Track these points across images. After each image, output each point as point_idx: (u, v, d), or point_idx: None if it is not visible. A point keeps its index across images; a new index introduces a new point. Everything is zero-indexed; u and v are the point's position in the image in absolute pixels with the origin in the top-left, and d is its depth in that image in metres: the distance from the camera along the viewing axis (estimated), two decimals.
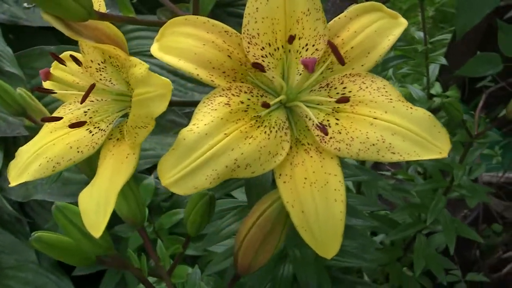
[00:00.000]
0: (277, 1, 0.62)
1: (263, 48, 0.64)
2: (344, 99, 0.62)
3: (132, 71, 0.64)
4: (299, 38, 0.65)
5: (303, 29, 0.64)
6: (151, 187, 1.20)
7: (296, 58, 0.66)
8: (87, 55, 0.76)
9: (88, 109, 0.76)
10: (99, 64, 0.75)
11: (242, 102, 0.63)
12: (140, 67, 0.63)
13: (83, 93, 0.76)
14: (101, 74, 0.76)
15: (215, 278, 1.20)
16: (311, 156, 0.63)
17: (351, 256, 1.21)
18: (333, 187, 0.61)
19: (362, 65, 0.66)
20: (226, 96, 0.62)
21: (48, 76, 0.70)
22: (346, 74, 0.66)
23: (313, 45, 0.65)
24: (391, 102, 0.63)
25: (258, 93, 0.65)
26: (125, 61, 0.66)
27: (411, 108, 0.63)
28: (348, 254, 1.20)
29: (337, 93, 0.66)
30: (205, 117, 0.60)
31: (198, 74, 0.63)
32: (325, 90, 0.66)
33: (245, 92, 0.64)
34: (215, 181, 0.58)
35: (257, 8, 0.63)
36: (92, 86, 0.69)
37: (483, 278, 1.76)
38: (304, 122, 0.66)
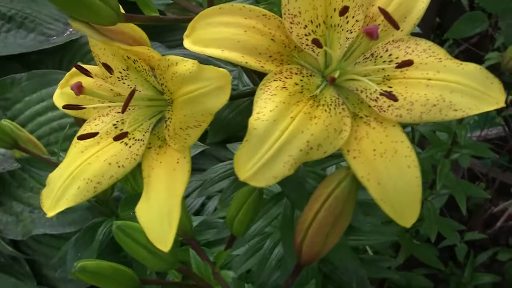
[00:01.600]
0: None
1: (305, 26, 0.62)
2: (406, 63, 0.61)
3: (173, 70, 0.60)
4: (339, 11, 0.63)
5: (342, 1, 0.62)
6: None
7: (338, 32, 0.64)
8: (109, 63, 0.71)
9: (117, 122, 0.71)
10: (121, 72, 0.71)
11: (296, 84, 0.61)
12: (184, 63, 0.59)
13: (108, 105, 0.72)
14: (124, 83, 0.71)
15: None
16: (374, 128, 0.62)
17: (370, 234, 1.20)
18: (403, 154, 0.60)
19: (402, 30, 0.66)
20: (280, 80, 0.60)
21: (80, 90, 0.65)
22: (389, 41, 0.65)
23: (353, 17, 0.63)
24: (440, 61, 0.63)
25: (307, 73, 0.63)
26: (160, 61, 0.62)
27: (461, 64, 0.63)
28: (367, 232, 1.19)
29: (384, 61, 0.64)
30: (267, 103, 0.57)
31: (246, 62, 0.60)
32: (371, 60, 0.65)
33: (296, 74, 0.62)
34: (292, 167, 0.56)
35: None
36: (132, 93, 0.65)
37: (481, 236, 1.81)
38: (356, 96, 0.64)
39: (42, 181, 1.18)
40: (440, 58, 0.63)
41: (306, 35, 0.63)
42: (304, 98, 0.60)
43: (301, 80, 0.61)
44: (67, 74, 0.78)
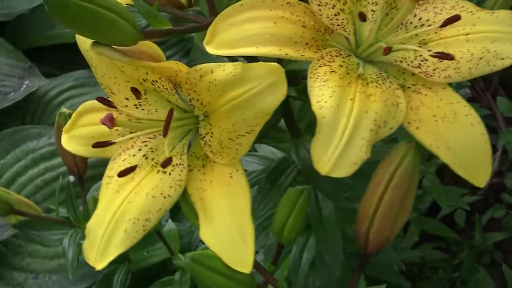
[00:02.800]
0: None
1: (334, 5, 0.59)
2: (452, 19, 0.58)
3: (209, 79, 0.56)
4: None
5: None
6: (175, 232, 1.10)
7: (364, 6, 0.61)
8: (119, 93, 0.66)
9: (147, 151, 0.65)
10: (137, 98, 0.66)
11: (341, 66, 0.57)
12: (223, 68, 0.55)
13: (130, 137, 0.66)
14: (143, 109, 0.66)
15: None
16: (426, 94, 0.59)
17: None
18: (463, 114, 0.58)
19: None
20: (325, 65, 0.56)
21: (113, 122, 0.60)
22: (414, 6, 0.63)
23: None
24: (473, 14, 0.61)
25: (345, 54, 0.60)
26: (189, 73, 0.58)
27: (492, 13, 0.62)
28: None
29: (415, 26, 0.62)
30: (324, 90, 0.54)
31: (286, 54, 0.56)
32: (402, 29, 0.63)
33: (337, 56, 0.58)
34: (368, 150, 0.52)
35: None
36: (171, 113, 0.60)
37: (475, 197, 1.83)
38: (395, 68, 0.62)
39: (45, 242, 1.10)
40: (471, 11, 0.61)
41: (335, 14, 0.60)
42: (352, 79, 0.57)
43: (344, 61, 0.58)
44: (73, 116, 0.72)
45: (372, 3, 0.61)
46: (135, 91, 0.62)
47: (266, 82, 0.52)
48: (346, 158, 0.51)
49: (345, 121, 0.52)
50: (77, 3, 0.47)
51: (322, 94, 0.53)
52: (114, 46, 0.55)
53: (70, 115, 0.97)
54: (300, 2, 0.59)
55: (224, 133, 0.57)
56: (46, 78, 1.56)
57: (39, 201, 1.27)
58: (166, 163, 0.60)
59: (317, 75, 0.55)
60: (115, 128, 0.68)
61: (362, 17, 0.60)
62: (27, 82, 1.47)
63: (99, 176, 1.10)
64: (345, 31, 0.61)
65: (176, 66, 0.58)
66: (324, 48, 0.59)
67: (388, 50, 0.58)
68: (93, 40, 0.53)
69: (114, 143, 0.64)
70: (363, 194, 0.63)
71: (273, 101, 0.53)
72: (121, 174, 0.61)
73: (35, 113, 1.52)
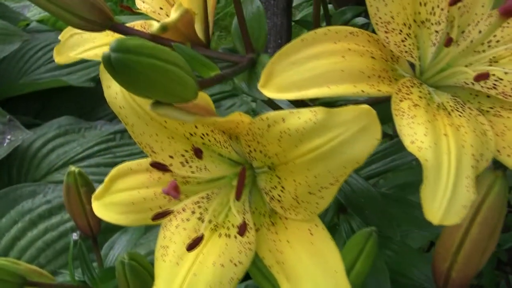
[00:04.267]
0: None
1: (401, 31, 0.54)
2: None
3: (279, 128, 0.49)
4: (424, 4, 0.55)
5: None
6: None
7: (427, 28, 0.56)
8: (162, 152, 0.58)
9: (200, 214, 0.58)
10: (183, 155, 0.58)
11: (420, 97, 0.52)
12: (299, 115, 0.48)
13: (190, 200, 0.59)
14: (190, 166, 0.59)
15: None
16: (508, 117, 0.54)
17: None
18: None
19: (483, 6, 0.59)
20: (406, 98, 0.51)
21: (178, 191, 0.52)
22: (476, 22, 0.58)
23: (438, 6, 0.56)
24: None
25: (417, 83, 0.54)
26: (253, 124, 0.51)
27: None
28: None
29: (482, 43, 0.58)
30: (415, 128, 0.48)
31: (362, 91, 0.50)
32: (468, 48, 0.58)
33: (412, 86, 0.53)
34: (473, 188, 0.47)
35: None
36: (243, 172, 0.53)
37: None
38: (466, 91, 0.57)
39: None
40: None
41: (402, 40, 0.54)
42: (434, 110, 0.52)
43: (420, 91, 0.53)
44: (105, 182, 0.64)
45: (435, 23, 0.56)
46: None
47: (355, 127, 0.46)
48: (456, 202, 0.45)
49: (447, 161, 0.46)
50: (146, 61, 0.40)
51: (415, 132, 0.48)
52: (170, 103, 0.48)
53: (80, 174, 0.90)
54: (363, 30, 0.54)
55: (302, 187, 0.51)
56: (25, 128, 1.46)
57: (43, 264, 1.16)
58: (242, 229, 0.52)
59: (402, 111, 0.49)
60: (160, 190, 0.60)
61: (449, 41, 0.54)
62: (9, 136, 1.36)
63: (107, 230, 1.02)
64: (412, 57, 0.55)
65: (240, 118, 0.51)
66: (396, 79, 0.54)
67: (483, 76, 0.53)
68: (152, 101, 0.46)
69: (172, 211, 0.56)
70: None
71: (365, 147, 0.46)
72: (190, 247, 0.53)
73: (21, 168, 1.41)
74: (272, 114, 0.50)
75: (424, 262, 0.83)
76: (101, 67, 0.59)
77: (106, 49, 0.70)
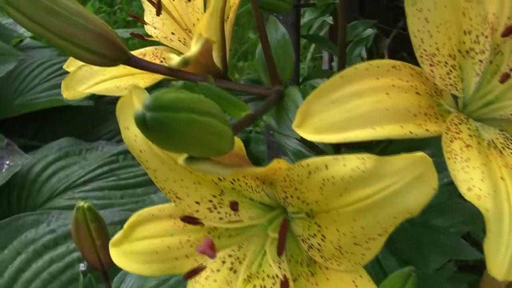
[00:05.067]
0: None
1: (446, 63, 0.50)
2: None
3: (322, 176, 0.45)
4: (469, 33, 0.51)
5: (470, 19, 0.51)
6: None
7: (472, 58, 0.52)
8: (187, 198, 0.54)
9: (232, 263, 0.54)
10: (211, 201, 0.54)
11: (470, 136, 0.48)
12: (344, 162, 0.44)
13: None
14: (218, 212, 0.54)
15: None
16: None
17: None
18: None
19: None
20: (457, 138, 0.47)
21: (214, 249, 0.48)
22: None
23: (482, 34, 0.52)
24: None
25: (464, 118, 0.50)
26: (291, 171, 0.47)
27: None
28: None
29: None
30: (470, 173, 0.44)
31: (410, 131, 0.46)
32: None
33: (460, 123, 0.49)
34: None
35: (426, 19, 0.48)
36: (285, 226, 0.48)
37: None
38: None
39: None
40: None
41: (448, 73, 0.50)
42: (485, 149, 0.48)
43: (468, 128, 0.49)
44: (125, 228, 0.59)
45: (479, 53, 0.52)
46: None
47: (409, 176, 0.42)
48: None
49: (508, 210, 0.42)
50: (183, 117, 0.36)
51: (471, 178, 0.44)
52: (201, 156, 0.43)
53: (89, 209, 0.85)
54: (405, 63, 0.50)
55: (346, 237, 0.46)
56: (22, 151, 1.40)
57: None
58: (284, 285, 0.48)
59: (455, 154, 0.45)
60: (186, 238, 0.56)
61: (504, 77, 0.50)
62: (7, 161, 1.31)
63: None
64: (457, 90, 0.51)
65: (277, 165, 0.47)
66: (441, 115, 0.50)
67: None
68: (185, 156, 0.41)
69: (204, 267, 0.52)
70: None
71: (421, 198, 0.42)
72: None
73: (22, 194, 1.36)
74: (313, 160, 0.46)
75: None
76: (119, 105, 0.55)
77: (118, 83, 0.66)
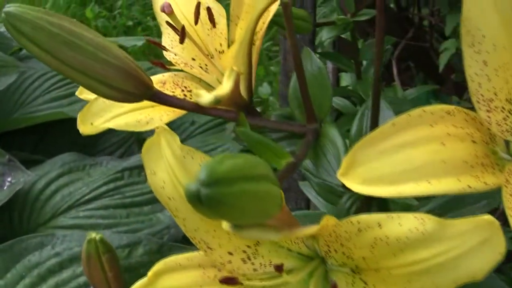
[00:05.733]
0: (502, 39, 0.44)
1: (503, 108, 0.46)
2: None
3: (374, 234, 0.41)
4: None
5: None
6: None
7: None
8: (220, 248, 0.50)
9: None
10: (245, 251, 0.50)
11: None
12: (400, 221, 0.40)
13: None
14: (253, 263, 0.50)
15: None
16: None
17: None
18: None
19: None
20: None
21: None
22: None
23: None
24: None
25: None
26: (338, 227, 0.43)
27: None
28: None
29: None
30: None
31: (469, 186, 0.42)
32: None
33: None
34: None
35: (484, 62, 0.44)
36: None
37: None
38: None
39: None
40: None
41: (504, 119, 0.46)
42: None
43: None
44: (149, 276, 0.55)
45: None
46: (277, 267, 0.46)
47: (474, 240, 0.38)
48: None
49: None
50: (239, 189, 0.32)
51: None
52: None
53: (101, 241, 0.81)
54: (459, 108, 0.46)
55: None
56: (23, 166, 1.35)
57: None
58: None
59: None
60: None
61: None
62: (9, 178, 1.27)
63: None
64: None
65: (325, 222, 0.43)
66: (497, 164, 0.46)
67: None
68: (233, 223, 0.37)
69: None
70: None
71: (486, 264, 0.38)
72: None
73: (23, 212, 1.31)
74: (364, 217, 0.42)
75: None
76: (145, 148, 0.51)
77: (138, 117, 0.62)
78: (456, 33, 1.68)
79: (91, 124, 0.61)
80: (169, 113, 0.60)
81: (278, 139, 0.56)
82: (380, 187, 0.43)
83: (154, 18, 3.14)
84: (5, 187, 1.28)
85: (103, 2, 3.23)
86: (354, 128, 0.68)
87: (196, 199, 0.31)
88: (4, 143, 1.53)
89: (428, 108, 0.44)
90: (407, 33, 2.01)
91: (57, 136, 1.59)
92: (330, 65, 1.94)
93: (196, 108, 0.53)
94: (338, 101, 1.13)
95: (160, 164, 0.49)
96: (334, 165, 0.52)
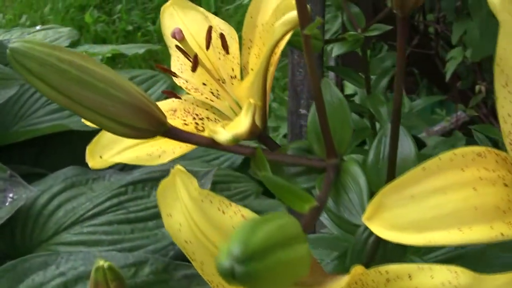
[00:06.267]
0: None
1: None
2: None
3: (405, 285, 0.39)
4: None
5: None
6: None
7: None
8: None
9: None
10: None
11: None
12: (431, 273, 0.38)
13: None
14: None
15: None
16: None
17: None
18: None
19: None
20: None
21: None
22: None
23: None
24: None
25: None
26: (365, 275, 0.41)
27: None
28: None
29: None
30: None
31: (502, 233, 0.40)
32: None
33: None
34: None
35: None
36: None
37: None
38: None
39: None
40: None
41: None
42: None
43: None
44: None
45: None
46: None
47: None
48: None
49: None
50: (273, 261, 0.30)
51: None
52: None
53: (109, 268, 0.79)
54: (489, 149, 0.44)
55: None
56: (23, 180, 1.33)
57: None
58: None
59: None
60: None
61: None
62: (11, 194, 1.24)
63: None
64: None
65: (353, 272, 0.41)
66: None
67: None
68: None
69: None
70: None
71: None
72: None
73: (26, 228, 1.29)
74: (393, 268, 0.40)
75: None
76: (160, 189, 0.49)
77: (149, 150, 0.60)
78: (462, 42, 1.66)
79: (100, 157, 0.59)
80: (182, 146, 0.58)
81: (296, 174, 0.54)
82: (408, 234, 0.41)
83: (154, 22, 3.12)
84: (6, 203, 1.25)
85: (102, 6, 3.21)
86: (370, 156, 0.66)
87: (230, 276, 0.29)
88: (4, 156, 1.50)
89: (458, 151, 0.42)
90: (412, 40, 1.99)
91: (57, 148, 1.57)
92: (332, 73, 1.92)
93: (211, 144, 0.51)
94: None
95: (176, 206, 0.47)
96: (356, 204, 0.50)
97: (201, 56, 0.66)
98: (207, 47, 0.64)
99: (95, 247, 1.24)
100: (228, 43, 0.65)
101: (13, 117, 1.57)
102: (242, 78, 0.66)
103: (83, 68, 0.47)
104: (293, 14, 0.52)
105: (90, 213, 1.29)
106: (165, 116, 0.51)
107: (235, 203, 0.45)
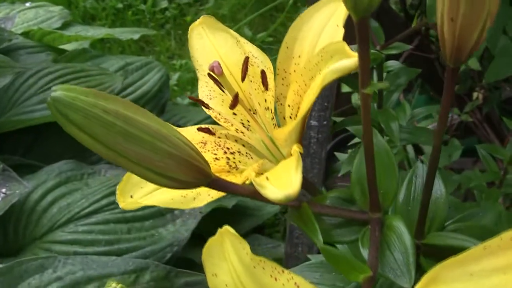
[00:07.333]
0: None
1: None
2: None
3: None
4: None
5: None
6: None
7: None
8: None
9: None
10: None
11: None
12: None
13: None
14: None
15: None
16: None
17: None
18: None
19: None
20: None
21: None
22: None
23: None
24: None
25: None
26: None
27: None
28: None
29: None
30: None
31: None
32: None
33: None
34: None
35: None
36: None
37: None
38: None
39: None
40: None
41: None
42: None
43: None
44: None
45: None
46: None
47: None
48: None
49: None
50: None
51: None
52: None
53: None
54: None
55: None
56: (15, 171, 1.29)
57: None
58: None
59: None
60: None
61: None
62: (4, 190, 1.20)
63: None
64: None
65: None
66: None
67: None
68: None
69: None
70: None
71: None
72: None
73: (19, 224, 1.26)
74: None
75: None
76: (206, 249, 0.46)
77: (184, 192, 0.57)
78: None
79: (131, 197, 0.57)
80: (213, 192, 0.56)
81: (336, 225, 0.53)
82: None
83: (145, 1, 3.02)
84: None
85: None
86: (401, 196, 0.65)
87: None
88: None
89: None
90: (411, 41, 1.98)
91: (51, 137, 1.53)
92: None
93: (256, 196, 0.49)
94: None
95: (223, 267, 0.45)
96: (401, 264, 0.49)
97: (234, 86, 0.63)
98: (243, 79, 0.62)
99: (90, 247, 1.21)
100: (268, 79, 0.63)
101: (6, 104, 1.51)
102: (275, 109, 0.64)
103: (129, 119, 0.44)
104: (346, 63, 0.50)
105: (85, 211, 1.26)
106: (209, 167, 0.49)
107: (288, 270, 0.44)
